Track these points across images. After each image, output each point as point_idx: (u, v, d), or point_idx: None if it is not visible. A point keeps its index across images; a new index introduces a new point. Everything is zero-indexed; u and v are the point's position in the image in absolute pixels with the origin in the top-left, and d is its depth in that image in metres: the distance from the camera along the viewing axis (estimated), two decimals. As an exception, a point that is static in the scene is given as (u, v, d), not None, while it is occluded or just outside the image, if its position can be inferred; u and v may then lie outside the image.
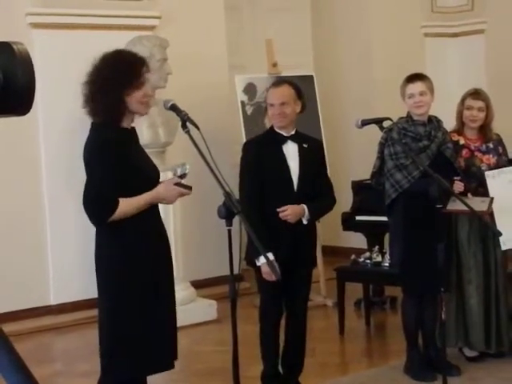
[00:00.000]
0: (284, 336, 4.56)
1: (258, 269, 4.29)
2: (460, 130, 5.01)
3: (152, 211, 3.40)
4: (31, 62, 1.30)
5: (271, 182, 4.29)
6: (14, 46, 1.25)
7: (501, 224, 4.57)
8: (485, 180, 4.82)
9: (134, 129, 3.49)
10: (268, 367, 4.54)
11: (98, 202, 3.27)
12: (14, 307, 6.26)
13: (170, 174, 4.04)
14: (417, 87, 4.65)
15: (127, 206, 3.28)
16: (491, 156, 4.96)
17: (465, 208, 4.13)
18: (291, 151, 4.33)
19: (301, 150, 4.34)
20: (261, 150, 4.34)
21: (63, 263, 6.55)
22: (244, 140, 6.85)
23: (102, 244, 3.39)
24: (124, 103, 3.31)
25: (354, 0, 8.54)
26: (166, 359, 3.47)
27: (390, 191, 4.64)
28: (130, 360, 3.35)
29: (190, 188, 3.40)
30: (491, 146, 5.00)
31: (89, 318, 6.22)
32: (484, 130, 4.99)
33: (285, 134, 4.34)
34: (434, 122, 4.73)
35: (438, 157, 4.68)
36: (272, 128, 4.43)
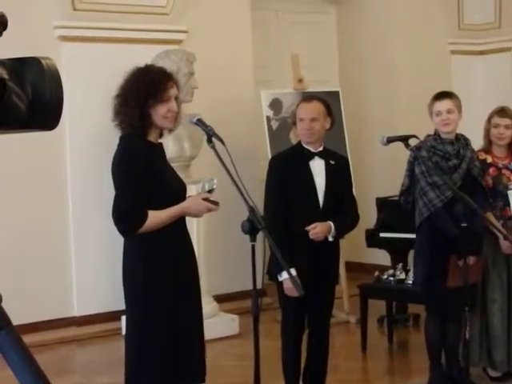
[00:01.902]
0: (306, 352, 4.55)
1: (280, 284, 4.28)
2: (487, 148, 4.98)
3: (179, 224, 3.42)
4: (60, 77, 1.31)
5: (297, 197, 4.30)
6: (43, 62, 1.26)
7: None
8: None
9: (160, 144, 3.53)
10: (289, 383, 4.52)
11: (127, 214, 3.30)
12: (37, 318, 6.28)
13: (194, 189, 4.07)
14: (444, 105, 4.63)
15: (156, 218, 3.31)
16: (519, 174, 4.93)
17: None
18: (318, 167, 4.34)
19: (327, 167, 4.35)
20: (288, 165, 4.35)
21: (87, 275, 6.57)
22: (269, 155, 6.86)
23: (129, 256, 3.42)
24: (149, 117, 3.35)
25: (380, 16, 8.53)
26: (193, 373, 3.47)
27: (423, 210, 4.59)
28: (154, 372, 3.36)
29: (217, 203, 3.42)
30: (519, 164, 4.97)
31: (111, 331, 6.25)
32: (512, 147, 4.97)
33: (312, 150, 4.35)
34: (461, 140, 4.70)
35: (466, 175, 4.65)
36: (300, 143, 4.43)
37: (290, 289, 4.03)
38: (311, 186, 4.30)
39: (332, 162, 4.37)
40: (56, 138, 6.34)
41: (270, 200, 4.37)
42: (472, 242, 4.36)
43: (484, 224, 4.52)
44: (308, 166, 4.32)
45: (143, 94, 3.33)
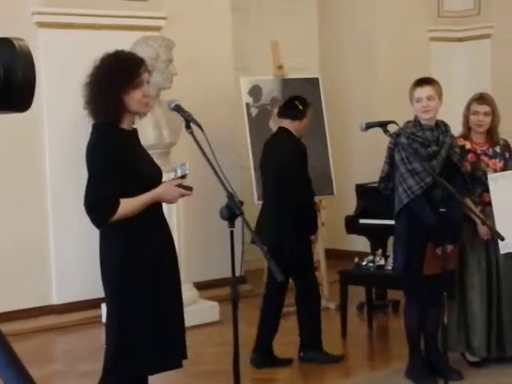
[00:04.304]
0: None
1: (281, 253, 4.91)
2: (466, 134, 5.00)
3: (155, 211, 3.40)
4: (32, 58, 1.29)
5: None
6: (15, 42, 1.24)
7: (501, 227, 4.54)
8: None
9: (135, 130, 3.50)
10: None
11: (98, 204, 3.28)
12: (16, 307, 6.26)
13: (173, 176, 4.04)
14: (425, 91, 4.63)
15: (128, 206, 3.29)
16: (498, 160, 4.95)
17: None
18: None
19: None
20: None
21: (66, 263, 6.54)
22: (248, 142, 6.86)
23: (105, 244, 3.40)
24: (123, 103, 3.31)
25: (360, 3, 8.53)
26: (174, 357, 3.47)
27: (403, 196, 4.60)
28: (136, 356, 3.36)
29: (190, 189, 3.40)
30: (498, 150, 4.98)
31: (91, 318, 6.23)
32: (491, 133, 4.99)
33: None
34: (441, 126, 4.71)
35: (446, 162, 4.66)
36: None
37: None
38: None
39: None
40: (34, 125, 6.31)
41: (305, 175, 5.22)
42: (450, 230, 4.37)
43: (462, 210, 4.54)
44: None
45: (117, 81, 3.29)
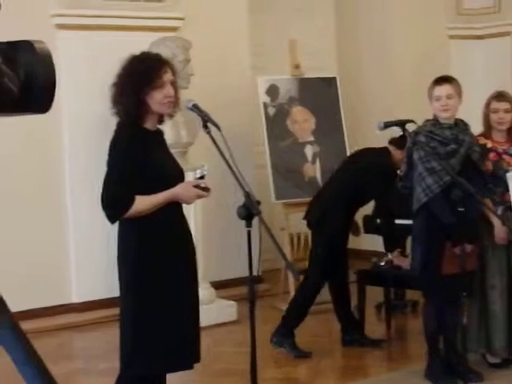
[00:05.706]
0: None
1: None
2: (487, 133, 4.96)
3: (173, 210, 3.41)
4: (52, 60, 1.31)
5: None
6: (36, 45, 1.25)
7: None
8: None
9: (159, 130, 3.52)
10: None
11: (112, 200, 3.30)
12: (36, 305, 6.29)
13: (191, 176, 4.06)
14: (444, 90, 4.61)
15: (143, 203, 3.30)
16: (519, 159, 4.91)
17: None
18: None
19: None
20: None
21: (86, 261, 6.57)
22: (266, 141, 6.85)
23: (122, 242, 3.41)
24: (145, 104, 3.34)
25: (378, 2, 8.50)
26: (186, 358, 3.47)
27: (421, 195, 4.57)
28: (149, 356, 3.36)
29: (208, 190, 3.41)
30: (520, 148, 4.95)
31: (110, 317, 6.24)
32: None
33: None
34: (460, 125, 4.69)
35: (465, 160, 4.64)
36: None
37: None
38: None
39: None
40: (53, 127, 6.35)
41: None
42: (468, 230, 4.35)
43: (481, 210, 4.51)
44: None
45: (138, 82, 3.32)
